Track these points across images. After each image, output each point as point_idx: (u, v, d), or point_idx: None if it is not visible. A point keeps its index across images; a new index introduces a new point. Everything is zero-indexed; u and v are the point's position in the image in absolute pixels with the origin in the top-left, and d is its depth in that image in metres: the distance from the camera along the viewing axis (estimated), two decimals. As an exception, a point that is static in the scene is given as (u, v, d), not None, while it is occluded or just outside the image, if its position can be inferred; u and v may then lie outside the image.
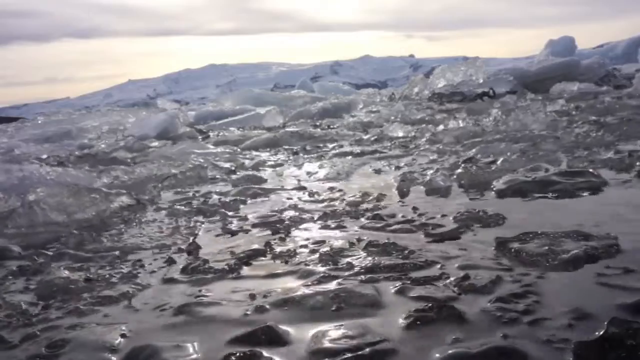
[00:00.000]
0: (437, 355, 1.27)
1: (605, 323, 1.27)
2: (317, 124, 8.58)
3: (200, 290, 1.80)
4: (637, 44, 31.13)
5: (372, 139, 5.73)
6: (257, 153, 5.35)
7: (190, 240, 2.36)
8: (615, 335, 1.24)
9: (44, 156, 6.67)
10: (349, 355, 1.27)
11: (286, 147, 5.69)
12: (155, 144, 6.83)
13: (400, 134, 5.75)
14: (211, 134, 8.63)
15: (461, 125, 5.49)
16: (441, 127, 5.64)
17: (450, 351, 1.28)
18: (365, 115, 9.46)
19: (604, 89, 10.11)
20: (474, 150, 3.94)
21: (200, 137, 8.04)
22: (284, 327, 1.44)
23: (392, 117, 7.68)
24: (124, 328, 1.53)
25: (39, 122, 10.21)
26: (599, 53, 26.10)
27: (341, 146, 5.40)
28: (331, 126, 7.96)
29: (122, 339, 1.46)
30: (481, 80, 11.77)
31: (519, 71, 12.20)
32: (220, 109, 11.91)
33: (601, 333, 1.25)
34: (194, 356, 1.36)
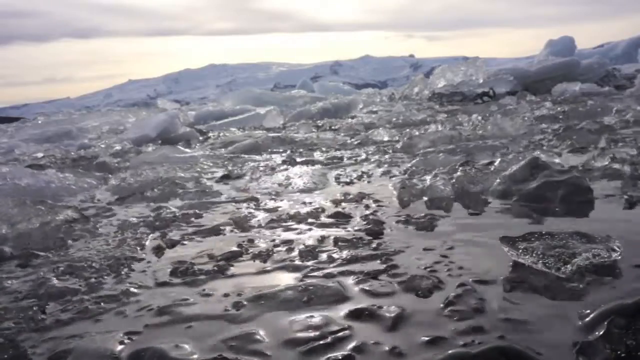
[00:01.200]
0: (438, 355, 1.28)
1: (606, 323, 1.27)
2: (319, 124, 8.59)
3: (185, 293, 1.83)
4: (637, 44, 31.14)
5: (355, 142, 5.72)
6: (236, 159, 5.25)
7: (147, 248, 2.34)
8: (615, 335, 1.24)
9: (40, 155, 6.69)
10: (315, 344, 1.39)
11: (267, 152, 5.65)
12: (151, 148, 6.81)
13: (386, 138, 5.77)
14: (211, 134, 8.65)
15: (439, 129, 5.51)
16: (422, 131, 5.65)
17: (450, 351, 1.28)
18: (366, 116, 9.48)
19: (605, 89, 10.12)
20: (414, 160, 3.96)
21: (200, 137, 8.07)
22: (261, 331, 1.50)
23: (394, 119, 7.69)
24: (122, 334, 1.53)
25: (39, 122, 10.22)
26: (599, 53, 26.09)
27: (321, 152, 5.37)
28: (332, 127, 7.98)
29: (122, 345, 1.47)
30: (481, 80, 11.79)
31: (519, 71, 12.21)
32: (220, 109, 11.91)
33: (601, 333, 1.26)
34: (193, 357, 1.38)
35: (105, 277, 2.04)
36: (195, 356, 1.38)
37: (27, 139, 8.19)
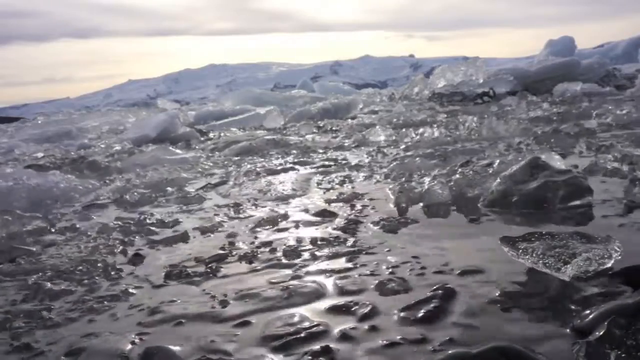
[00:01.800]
0: (438, 356, 1.28)
1: (606, 323, 1.27)
2: (320, 125, 8.56)
3: (178, 293, 1.89)
4: (637, 44, 31.14)
5: (353, 145, 5.66)
6: (227, 162, 5.20)
7: (130, 255, 2.36)
8: (615, 335, 1.24)
9: (40, 155, 6.71)
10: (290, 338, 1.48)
11: (259, 155, 5.57)
12: (151, 148, 6.79)
13: (382, 138, 5.74)
14: (211, 134, 8.66)
15: (436, 134, 5.52)
16: (418, 136, 5.65)
17: (450, 351, 1.28)
18: (367, 116, 9.45)
19: (607, 90, 10.14)
20: (393, 164, 3.97)
21: (201, 137, 8.08)
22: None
23: (395, 120, 7.67)
24: (134, 336, 1.56)
25: (39, 122, 10.22)
26: (599, 53, 26.09)
27: (315, 154, 5.30)
28: (332, 128, 7.95)
29: (132, 345, 1.50)
30: (481, 80, 11.78)
31: (519, 71, 12.20)
32: (220, 109, 11.91)
33: (601, 333, 1.26)
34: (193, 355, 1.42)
35: (100, 280, 2.06)
36: (195, 355, 1.41)
37: (27, 139, 8.20)
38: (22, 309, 1.82)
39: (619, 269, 1.67)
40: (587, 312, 1.40)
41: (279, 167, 4.56)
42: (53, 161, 5.94)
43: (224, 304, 1.74)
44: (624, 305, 1.38)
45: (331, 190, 3.43)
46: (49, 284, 2.00)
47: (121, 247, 2.47)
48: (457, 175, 3.03)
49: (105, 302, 1.83)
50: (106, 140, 7.89)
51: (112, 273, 2.13)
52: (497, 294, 1.61)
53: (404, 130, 6.21)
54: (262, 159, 5.26)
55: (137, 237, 2.65)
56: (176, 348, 1.45)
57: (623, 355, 1.19)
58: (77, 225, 2.98)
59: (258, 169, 4.53)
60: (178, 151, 5.89)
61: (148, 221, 2.93)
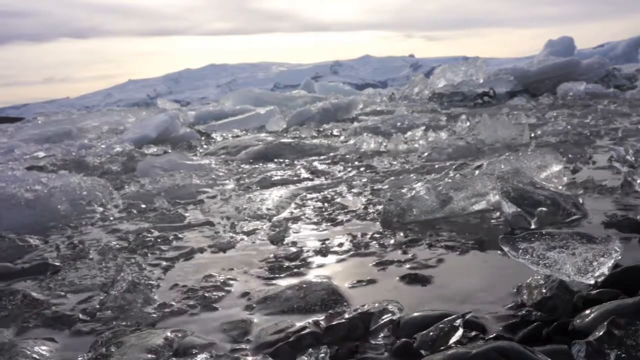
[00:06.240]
0: (437, 356, 1.28)
1: (606, 323, 1.27)
2: (321, 129, 8.43)
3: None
4: (637, 44, 31.12)
5: (356, 157, 5.38)
6: (238, 170, 5.07)
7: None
8: (615, 335, 1.24)
9: (41, 155, 6.70)
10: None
11: (276, 160, 5.45)
12: (153, 149, 6.72)
13: (372, 146, 5.64)
14: (214, 135, 8.61)
15: (443, 135, 5.53)
16: (422, 141, 5.62)
17: (450, 351, 1.28)
18: (370, 119, 9.36)
19: (610, 90, 10.22)
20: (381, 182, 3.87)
21: (203, 138, 8.04)
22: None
23: (398, 124, 7.58)
24: (170, 334, 1.64)
25: (39, 122, 10.20)
26: (599, 53, 26.05)
27: (330, 159, 5.23)
28: (333, 133, 7.83)
29: (165, 341, 1.59)
30: (481, 80, 11.77)
31: (519, 71, 12.19)
32: (220, 109, 11.90)
33: (601, 333, 1.26)
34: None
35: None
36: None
37: (27, 139, 8.18)
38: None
39: (619, 269, 1.68)
40: (587, 312, 1.40)
41: (272, 181, 4.31)
42: (54, 162, 5.92)
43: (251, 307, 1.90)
44: (624, 305, 1.38)
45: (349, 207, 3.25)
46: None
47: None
48: (447, 179, 2.91)
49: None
50: (106, 140, 7.87)
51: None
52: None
53: (394, 136, 6.12)
54: (273, 167, 5.09)
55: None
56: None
57: (623, 355, 1.19)
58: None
59: (247, 183, 4.30)
60: (194, 157, 5.63)
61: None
